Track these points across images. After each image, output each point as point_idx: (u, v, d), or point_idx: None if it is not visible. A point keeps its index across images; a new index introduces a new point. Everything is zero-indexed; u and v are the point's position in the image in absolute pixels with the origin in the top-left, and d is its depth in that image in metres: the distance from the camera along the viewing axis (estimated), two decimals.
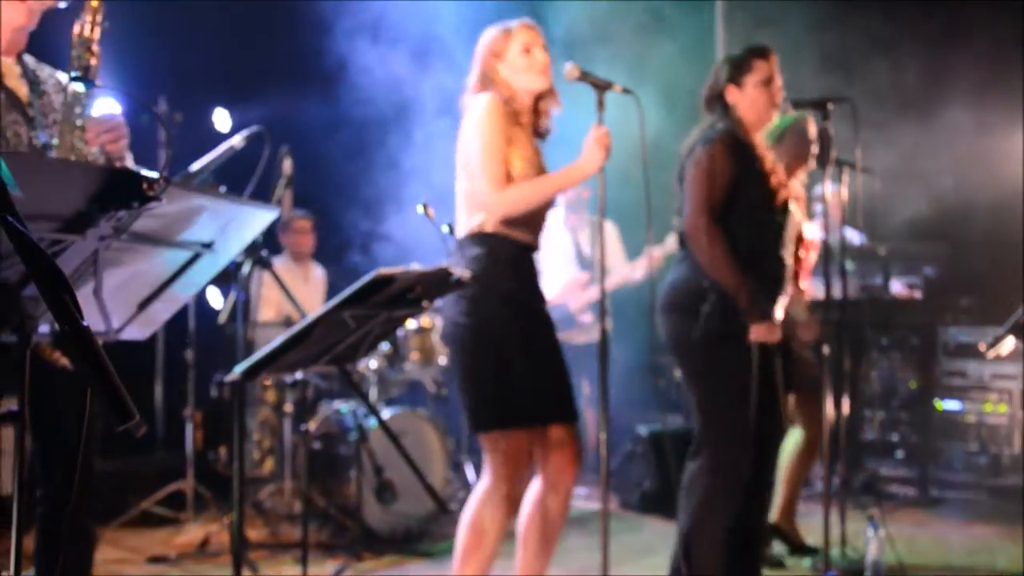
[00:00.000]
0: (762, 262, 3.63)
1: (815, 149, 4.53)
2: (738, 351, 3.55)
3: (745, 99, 3.71)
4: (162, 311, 2.38)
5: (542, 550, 3.42)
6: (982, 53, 6.68)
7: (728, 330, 3.55)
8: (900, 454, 6.92)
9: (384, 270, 2.72)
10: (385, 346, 5.32)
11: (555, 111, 3.49)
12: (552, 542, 3.44)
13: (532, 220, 3.36)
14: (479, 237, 3.32)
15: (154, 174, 1.89)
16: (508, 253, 3.31)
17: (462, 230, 3.37)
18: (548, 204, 3.39)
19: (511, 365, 3.24)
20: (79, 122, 2.70)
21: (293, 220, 6.22)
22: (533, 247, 3.40)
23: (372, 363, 5.31)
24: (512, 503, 3.30)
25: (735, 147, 3.63)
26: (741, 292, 3.51)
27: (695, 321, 3.60)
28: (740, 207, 3.60)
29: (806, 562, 4.63)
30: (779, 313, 3.72)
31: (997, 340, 4.03)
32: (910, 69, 6.86)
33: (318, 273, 6.40)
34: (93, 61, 2.68)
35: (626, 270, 6.31)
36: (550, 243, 5.63)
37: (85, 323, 1.31)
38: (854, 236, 6.09)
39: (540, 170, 3.34)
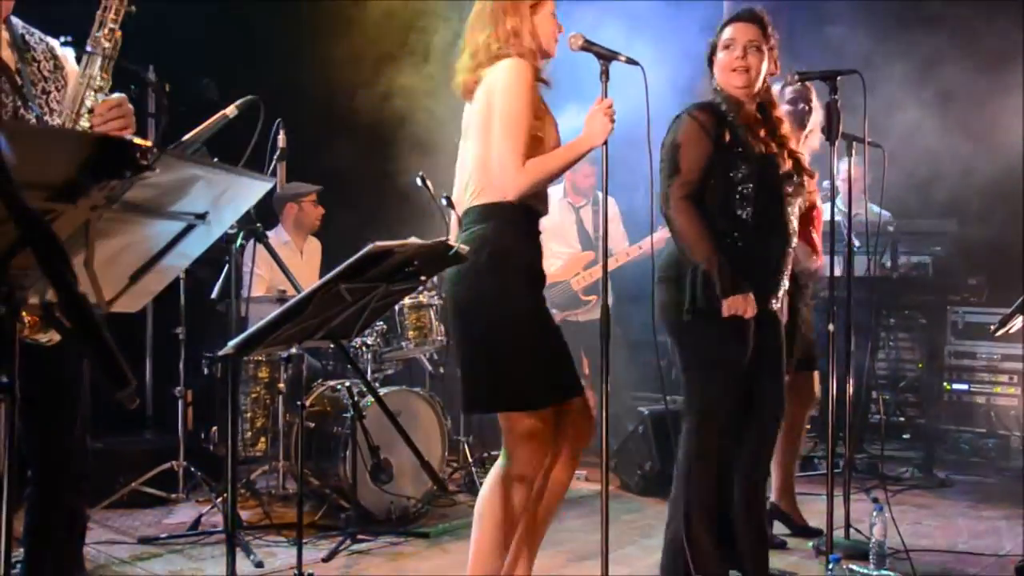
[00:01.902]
0: (754, 238, 3.55)
1: (815, 118, 4.50)
2: (721, 324, 3.50)
3: (718, 67, 3.69)
4: (154, 283, 2.30)
5: (543, 521, 3.32)
6: (1000, 32, 6.59)
7: (712, 303, 3.50)
8: (906, 436, 6.86)
9: (380, 243, 2.64)
10: (380, 323, 5.23)
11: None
12: (552, 512, 3.34)
13: (542, 189, 3.25)
14: (497, 207, 3.13)
15: (147, 143, 1.82)
16: (526, 223, 3.19)
17: (475, 197, 3.19)
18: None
19: (533, 341, 3.10)
20: (88, 102, 2.63)
21: (309, 193, 6.06)
22: (543, 214, 3.28)
23: (367, 340, 5.21)
24: (529, 485, 3.17)
25: (710, 121, 3.56)
26: (713, 267, 3.47)
27: (681, 293, 3.58)
28: (722, 182, 3.53)
29: (809, 544, 4.57)
30: (782, 289, 3.67)
31: (1007, 319, 3.98)
32: (919, 45, 6.74)
33: (314, 246, 6.28)
34: (113, 49, 2.62)
35: (632, 249, 6.27)
36: (552, 220, 5.54)
37: (80, 289, 1.26)
38: (885, 214, 6.02)
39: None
